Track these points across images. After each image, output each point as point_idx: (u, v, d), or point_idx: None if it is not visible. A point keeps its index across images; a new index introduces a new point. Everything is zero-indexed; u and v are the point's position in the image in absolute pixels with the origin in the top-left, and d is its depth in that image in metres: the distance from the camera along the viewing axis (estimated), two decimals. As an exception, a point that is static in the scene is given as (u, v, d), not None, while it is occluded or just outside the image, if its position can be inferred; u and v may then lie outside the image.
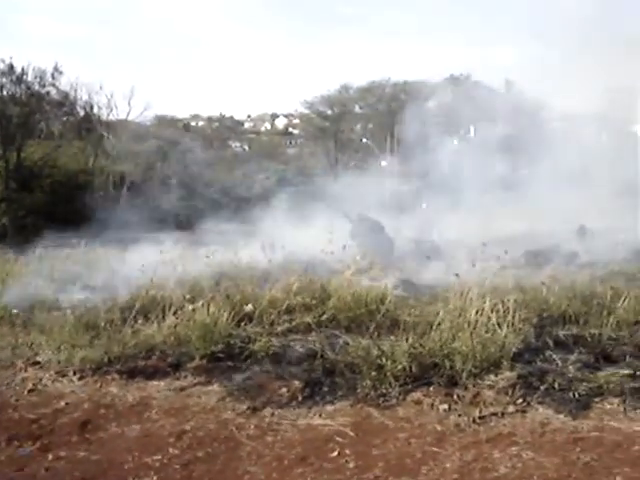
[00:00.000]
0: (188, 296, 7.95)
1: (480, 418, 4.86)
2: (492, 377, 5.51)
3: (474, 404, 5.12)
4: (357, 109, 57.73)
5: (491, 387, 5.35)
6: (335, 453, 4.40)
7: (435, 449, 4.39)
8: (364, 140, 55.89)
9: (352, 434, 4.70)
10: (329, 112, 56.62)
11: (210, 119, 65.81)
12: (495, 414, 4.93)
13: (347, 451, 4.42)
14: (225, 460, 4.39)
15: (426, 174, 21.52)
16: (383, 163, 44.14)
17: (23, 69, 45.80)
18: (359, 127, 58.59)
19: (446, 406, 5.11)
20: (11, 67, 45.45)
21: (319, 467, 4.21)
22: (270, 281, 9.12)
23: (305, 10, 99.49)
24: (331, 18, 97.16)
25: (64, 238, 17.90)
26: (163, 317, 7.30)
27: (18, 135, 44.50)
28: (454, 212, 17.89)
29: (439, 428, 4.75)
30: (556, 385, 5.32)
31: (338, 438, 4.64)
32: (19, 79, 45.88)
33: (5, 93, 45.36)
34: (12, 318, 8.24)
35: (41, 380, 6.24)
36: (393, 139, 49.42)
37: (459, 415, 4.94)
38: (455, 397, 5.26)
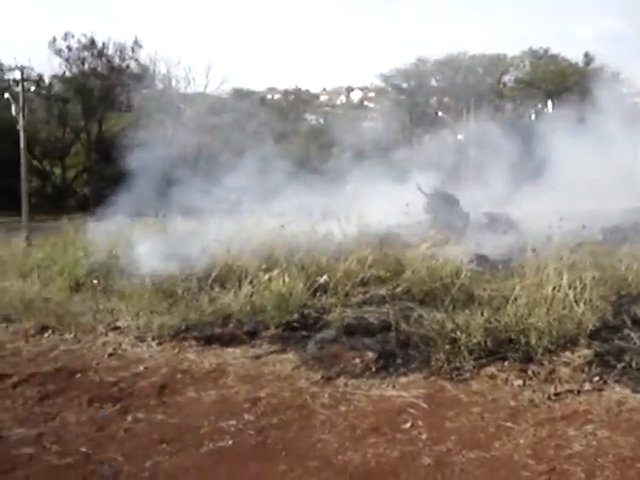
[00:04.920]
0: (264, 266, 8.02)
1: (555, 395, 4.81)
2: (568, 354, 5.44)
3: (549, 381, 5.06)
4: (433, 82, 56.92)
5: (567, 364, 5.29)
6: (408, 425, 4.41)
7: (509, 424, 4.37)
8: (440, 114, 55.20)
9: (425, 406, 4.71)
10: (405, 85, 56.04)
11: (286, 92, 65.91)
12: (570, 391, 4.87)
13: (420, 423, 4.43)
14: (299, 428, 4.45)
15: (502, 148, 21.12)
16: (459, 137, 43.58)
17: (104, 43, 46.99)
18: (435, 100, 57.80)
19: (521, 382, 5.07)
20: (92, 41, 46.66)
21: (392, 438, 4.23)
22: (345, 253, 9.12)
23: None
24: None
25: (143, 208, 18.19)
26: (239, 286, 7.42)
27: (99, 108, 45.82)
28: (530, 187, 17.55)
29: (513, 403, 4.72)
30: (634, 364, 5.21)
31: (411, 410, 4.65)
32: (100, 53, 47.12)
33: (87, 67, 46.68)
34: (93, 285, 8.45)
35: (121, 345, 6.44)
36: (469, 113, 48.71)
37: (534, 391, 4.90)
38: (530, 373, 5.21)
